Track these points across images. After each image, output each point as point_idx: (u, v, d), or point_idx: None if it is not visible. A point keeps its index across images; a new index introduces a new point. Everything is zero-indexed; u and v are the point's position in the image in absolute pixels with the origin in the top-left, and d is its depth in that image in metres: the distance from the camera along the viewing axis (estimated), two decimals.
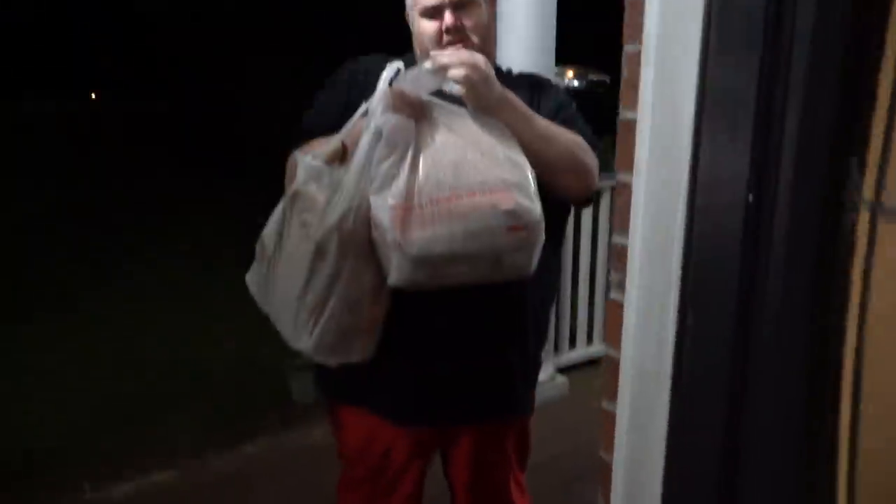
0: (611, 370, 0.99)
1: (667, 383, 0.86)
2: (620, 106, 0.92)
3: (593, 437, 3.08)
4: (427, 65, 1.33)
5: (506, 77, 1.60)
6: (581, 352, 3.83)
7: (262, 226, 1.44)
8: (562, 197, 1.47)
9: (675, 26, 0.80)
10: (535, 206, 1.27)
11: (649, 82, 0.84)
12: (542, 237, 1.29)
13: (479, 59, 1.33)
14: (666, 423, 0.87)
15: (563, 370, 3.70)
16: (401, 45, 1.63)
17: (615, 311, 0.98)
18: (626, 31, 0.90)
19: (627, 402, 0.94)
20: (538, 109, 1.49)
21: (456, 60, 1.30)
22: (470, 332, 1.48)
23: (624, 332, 0.94)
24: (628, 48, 0.90)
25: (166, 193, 9.39)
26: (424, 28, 1.52)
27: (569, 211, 1.61)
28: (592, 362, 3.89)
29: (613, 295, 0.99)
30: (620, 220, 0.96)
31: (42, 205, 7.98)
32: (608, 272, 1.04)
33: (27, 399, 3.62)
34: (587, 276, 3.76)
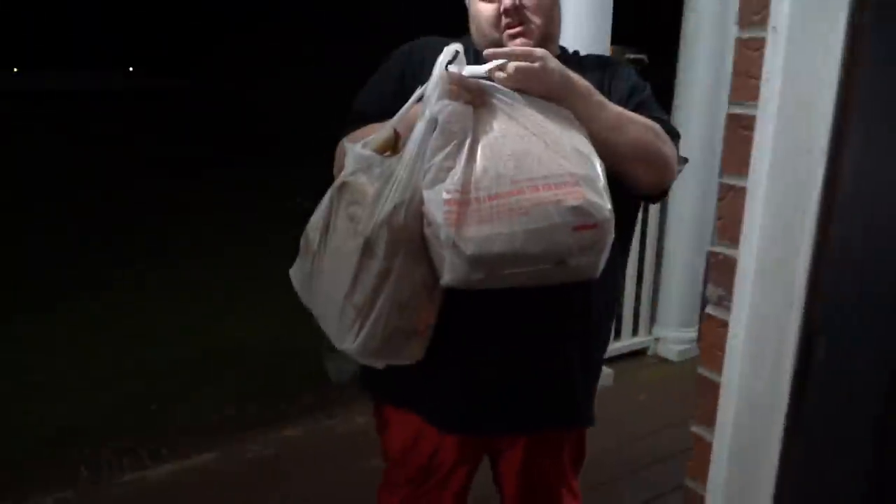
0: (706, 393, 0.88)
1: (781, 417, 0.75)
2: (730, 99, 0.80)
3: (638, 431, 3.00)
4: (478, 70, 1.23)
5: (573, 60, 1.49)
6: (626, 343, 3.71)
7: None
8: (634, 191, 1.35)
9: (815, 4, 0.68)
10: (605, 203, 1.16)
11: (777, 72, 0.72)
12: (612, 236, 1.18)
13: (534, 53, 1.22)
14: (777, 461, 0.76)
15: (606, 361, 3.59)
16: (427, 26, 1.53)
17: (714, 329, 0.86)
18: (743, 12, 0.77)
19: (729, 432, 0.82)
20: (609, 94, 1.38)
21: (511, 67, 1.21)
22: (529, 337, 1.38)
23: (728, 354, 0.83)
24: (744, 33, 0.78)
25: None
26: (481, 10, 1.41)
27: (640, 206, 1.49)
28: (636, 353, 3.77)
29: (712, 310, 0.88)
30: (726, 229, 0.84)
31: (43, 203, 7.97)
32: (704, 284, 0.91)
33: (61, 381, 3.64)
34: (635, 267, 3.63)
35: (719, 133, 3.55)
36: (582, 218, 1.14)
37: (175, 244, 6.33)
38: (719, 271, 0.85)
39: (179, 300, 4.93)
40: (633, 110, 1.35)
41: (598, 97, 1.29)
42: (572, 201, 1.14)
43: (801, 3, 0.70)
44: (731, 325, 0.82)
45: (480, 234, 1.14)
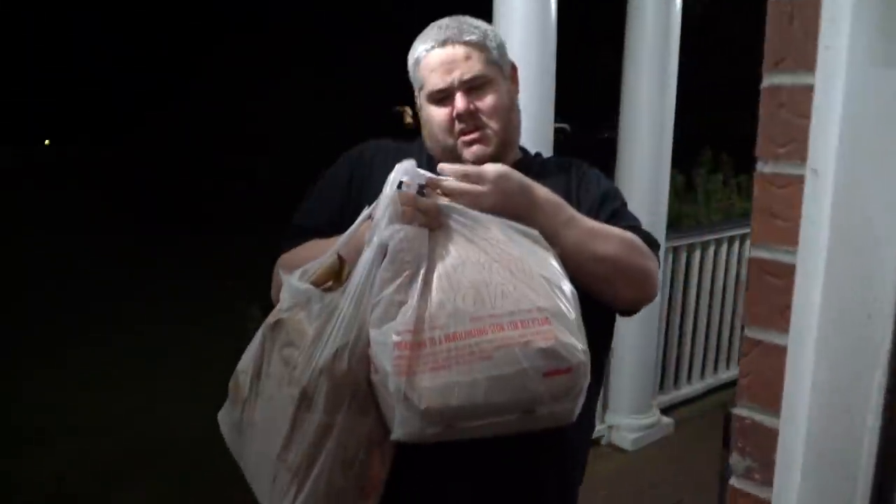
0: None
1: None
2: (752, 240, 0.68)
3: None
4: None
5: (535, 165, 1.37)
6: None
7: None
8: (613, 307, 1.24)
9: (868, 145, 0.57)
10: (579, 342, 1.02)
11: (822, 222, 0.59)
12: (587, 380, 1.03)
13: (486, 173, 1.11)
14: None
15: None
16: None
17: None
18: (764, 142, 0.65)
19: None
20: (578, 203, 1.27)
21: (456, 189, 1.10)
22: (499, 476, 1.22)
23: None
24: (766, 167, 0.65)
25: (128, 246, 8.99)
26: (433, 114, 1.29)
27: (615, 320, 1.36)
28: (590, 443, 3.62)
29: (739, 484, 0.73)
30: (753, 390, 0.69)
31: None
32: (729, 453, 0.76)
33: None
34: None
35: (664, 197, 3.50)
36: (553, 362, 1.00)
37: (93, 324, 5.94)
38: (747, 438, 0.71)
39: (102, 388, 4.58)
40: (607, 220, 1.24)
41: (567, 213, 1.17)
42: (542, 343, 1.00)
43: (850, 143, 0.58)
44: None
45: (436, 383, 0.98)
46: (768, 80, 0.66)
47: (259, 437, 1.08)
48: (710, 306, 4.07)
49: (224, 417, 1.16)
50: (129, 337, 5.50)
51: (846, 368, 0.62)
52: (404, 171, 1.09)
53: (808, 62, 0.61)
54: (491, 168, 1.11)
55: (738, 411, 0.73)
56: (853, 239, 0.60)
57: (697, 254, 3.93)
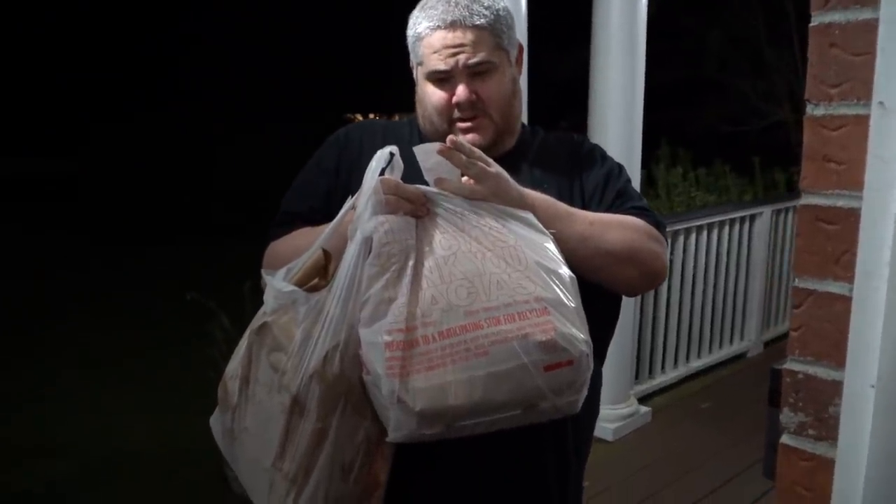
0: None
1: None
2: (803, 187, 0.66)
3: None
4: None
5: (535, 142, 1.34)
6: None
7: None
8: (622, 292, 1.24)
9: None
10: (580, 332, 0.98)
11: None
12: (590, 371, 1.00)
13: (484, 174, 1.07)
14: None
15: None
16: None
17: (796, 464, 0.70)
18: (815, 85, 0.63)
19: None
20: (581, 184, 1.25)
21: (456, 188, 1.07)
22: (499, 482, 1.19)
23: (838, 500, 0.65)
24: (817, 110, 0.62)
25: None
26: (430, 94, 1.25)
27: (620, 298, 1.33)
28: None
29: (791, 441, 0.71)
30: (807, 342, 0.67)
31: None
32: (780, 409, 0.73)
33: None
34: None
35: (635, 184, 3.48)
36: (554, 355, 0.96)
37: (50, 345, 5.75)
38: (800, 393, 0.68)
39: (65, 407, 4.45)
40: (613, 201, 1.23)
41: (561, 208, 1.14)
42: (541, 335, 0.96)
43: None
44: (838, 463, 0.65)
45: (431, 383, 0.94)
46: (818, 20, 0.64)
47: (252, 444, 1.03)
48: (680, 295, 4.09)
49: (215, 423, 1.11)
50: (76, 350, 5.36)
51: None
52: (386, 158, 1.04)
53: None
54: (494, 168, 1.08)
55: (790, 366, 0.70)
56: None
57: (668, 243, 3.94)
